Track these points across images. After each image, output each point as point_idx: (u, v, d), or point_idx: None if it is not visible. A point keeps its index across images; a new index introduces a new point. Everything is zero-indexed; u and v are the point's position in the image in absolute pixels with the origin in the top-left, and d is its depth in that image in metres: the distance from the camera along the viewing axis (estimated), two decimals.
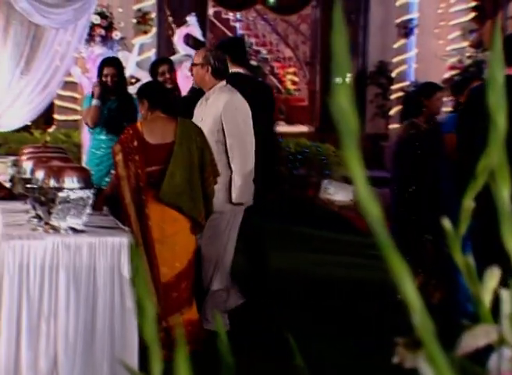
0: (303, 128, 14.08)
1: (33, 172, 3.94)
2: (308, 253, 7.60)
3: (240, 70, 5.07)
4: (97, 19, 8.80)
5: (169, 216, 4.29)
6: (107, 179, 5.41)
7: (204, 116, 4.67)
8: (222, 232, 4.65)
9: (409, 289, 0.60)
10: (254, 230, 5.07)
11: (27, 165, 4.19)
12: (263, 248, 5.16)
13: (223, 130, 4.62)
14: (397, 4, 12.49)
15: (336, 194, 10.29)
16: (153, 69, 5.89)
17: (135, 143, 4.22)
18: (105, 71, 5.74)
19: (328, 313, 5.46)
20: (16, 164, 4.76)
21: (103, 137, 5.76)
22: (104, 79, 5.71)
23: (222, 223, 4.66)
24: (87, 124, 5.93)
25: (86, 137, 6.82)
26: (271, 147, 5.14)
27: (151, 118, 4.34)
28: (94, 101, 5.66)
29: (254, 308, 5.01)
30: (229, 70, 4.82)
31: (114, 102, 5.74)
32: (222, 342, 0.77)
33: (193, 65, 4.87)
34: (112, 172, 5.60)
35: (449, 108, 7.05)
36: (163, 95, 4.37)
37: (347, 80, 0.57)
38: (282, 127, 9.47)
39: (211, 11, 15.27)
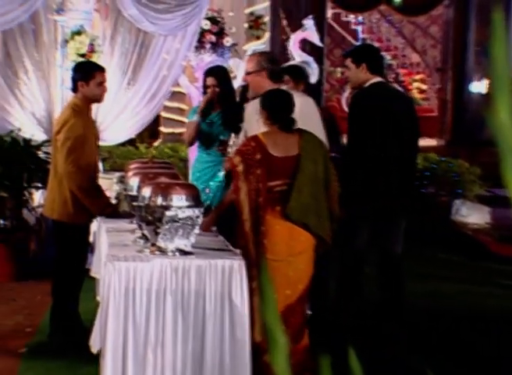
0: (431, 142, 13.83)
1: (139, 189, 4.06)
2: (438, 279, 7.46)
3: (380, 79, 5.11)
4: (207, 25, 8.98)
5: (298, 233, 4.31)
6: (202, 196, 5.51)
7: None
8: None
9: None
10: (393, 258, 5.06)
11: (134, 181, 4.31)
12: (401, 276, 5.13)
13: None
14: None
15: (470, 216, 10.04)
16: None
17: (258, 156, 4.27)
18: (207, 82, 5.86)
19: (459, 346, 5.33)
20: (122, 180, 4.92)
21: (203, 152, 5.87)
22: (207, 90, 5.83)
23: None
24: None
25: (193, 151, 6.97)
26: (412, 163, 5.16)
27: (272, 130, 4.39)
28: (195, 117, 5.77)
29: (387, 337, 5.02)
30: (282, 71, 5.00)
31: (216, 116, 5.84)
32: None
33: (247, 74, 4.93)
34: (207, 189, 5.71)
35: None
36: (284, 110, 4.38)
37: (509, 92, 0.56)
38: None
39: (329, 13, 15.31)
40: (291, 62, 9.01)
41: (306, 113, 4.68)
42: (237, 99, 6.20)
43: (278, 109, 4.37)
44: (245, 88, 6.34)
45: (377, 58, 5.28)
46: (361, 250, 5.07)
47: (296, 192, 4.25)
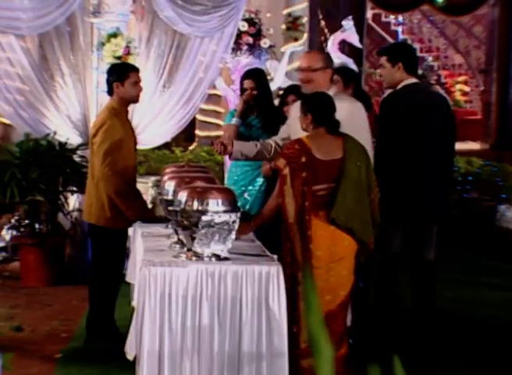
0: (474, 145, 13.73)
1: (175, 193, 4.09)
2: (481, 287, 7.39)
3: (414, 80, 5.08)
4: (244, 26, 9.00)
5: (340, 238, 4.32)
6: (239, 201, 5.52)
7: None
8: None
9: None
10: (425, 265, 5.03)
11: (169, 185, 4.34)
12: (432, 285, 5.09)
13: None
14: None
15: None
16: None
17: (303, 159, 4.30)
18: (244, 85, 5.90)
19: (501, 356, 5.27)
20: (157, 184, 4.97)
21: None
22: (244, 93, 5.86)
23: None
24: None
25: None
26: (447, 168, 5.12)
27: (316, 133, 4.40)
28: (234, 120, 5.81)
29: (418, 347, 5.00)
30: (334, 72, 5.07)
31: (254, 119, 5.86)
32: None
33: (312, 70, 4.86)
34: (246, 194, 5.71)
35: None
36: (330, 112, 4.40)
37: None
38: None
39: (369, 14, 15.24)
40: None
41: (355, 118, 4.66)
42: (277, 102, 6.21)
43: (325, 111, 4.39)
44: (286, 91, 6.32)
45: (413, 58, 5.23)
46: (395, 255, 5.04)
47: (341, 196, 4.27)
